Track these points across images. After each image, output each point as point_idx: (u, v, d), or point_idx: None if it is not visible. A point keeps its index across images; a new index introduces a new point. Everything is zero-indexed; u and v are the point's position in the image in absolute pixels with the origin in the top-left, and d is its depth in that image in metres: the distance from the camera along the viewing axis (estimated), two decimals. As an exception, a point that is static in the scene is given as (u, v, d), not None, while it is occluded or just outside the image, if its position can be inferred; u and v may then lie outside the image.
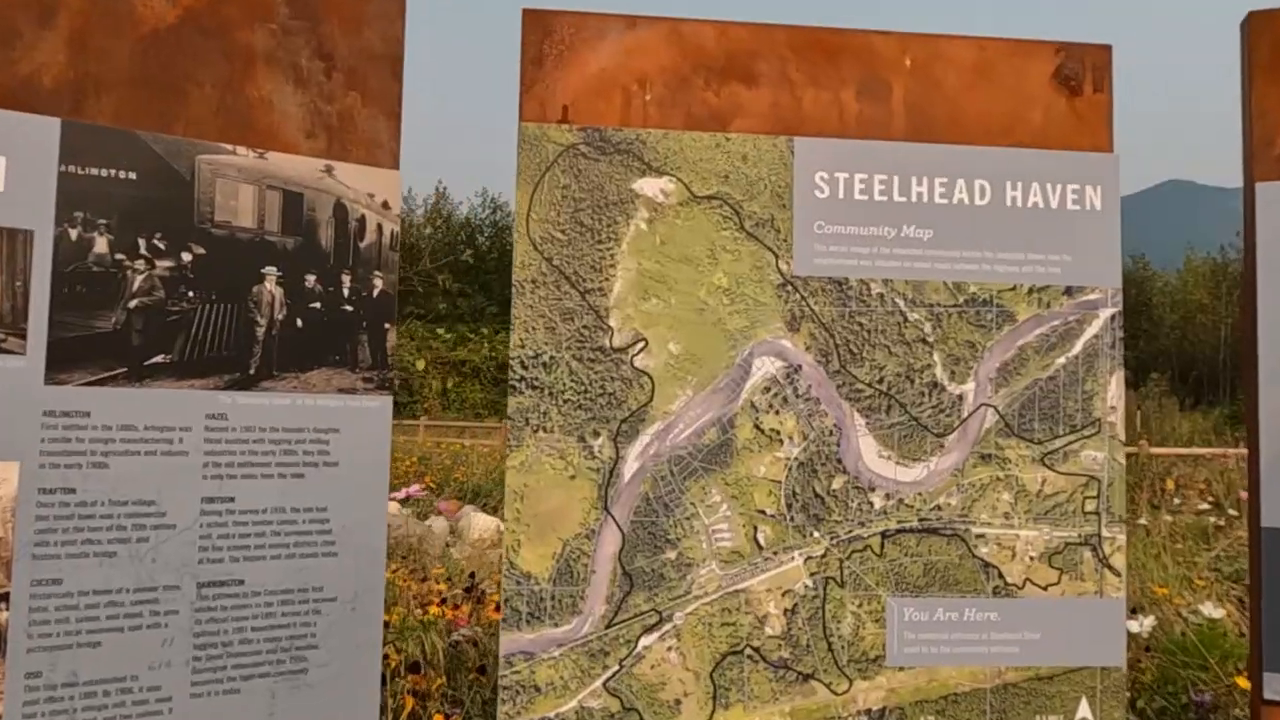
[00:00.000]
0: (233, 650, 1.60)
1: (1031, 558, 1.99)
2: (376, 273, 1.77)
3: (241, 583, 1.61)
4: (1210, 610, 4.67)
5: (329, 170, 1.72)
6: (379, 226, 1.77)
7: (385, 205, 1.78)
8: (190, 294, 1.59)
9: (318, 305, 1.71)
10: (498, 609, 3.06)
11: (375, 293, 1.77)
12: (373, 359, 1.76)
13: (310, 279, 1.71)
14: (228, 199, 1.63)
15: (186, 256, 1.59)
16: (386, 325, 1.78)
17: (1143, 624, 4.56)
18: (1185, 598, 5.37)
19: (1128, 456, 1.80)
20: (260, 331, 1.65)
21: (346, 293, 1.73)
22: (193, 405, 1.59)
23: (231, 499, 1.61)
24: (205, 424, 1.59)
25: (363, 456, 1.74)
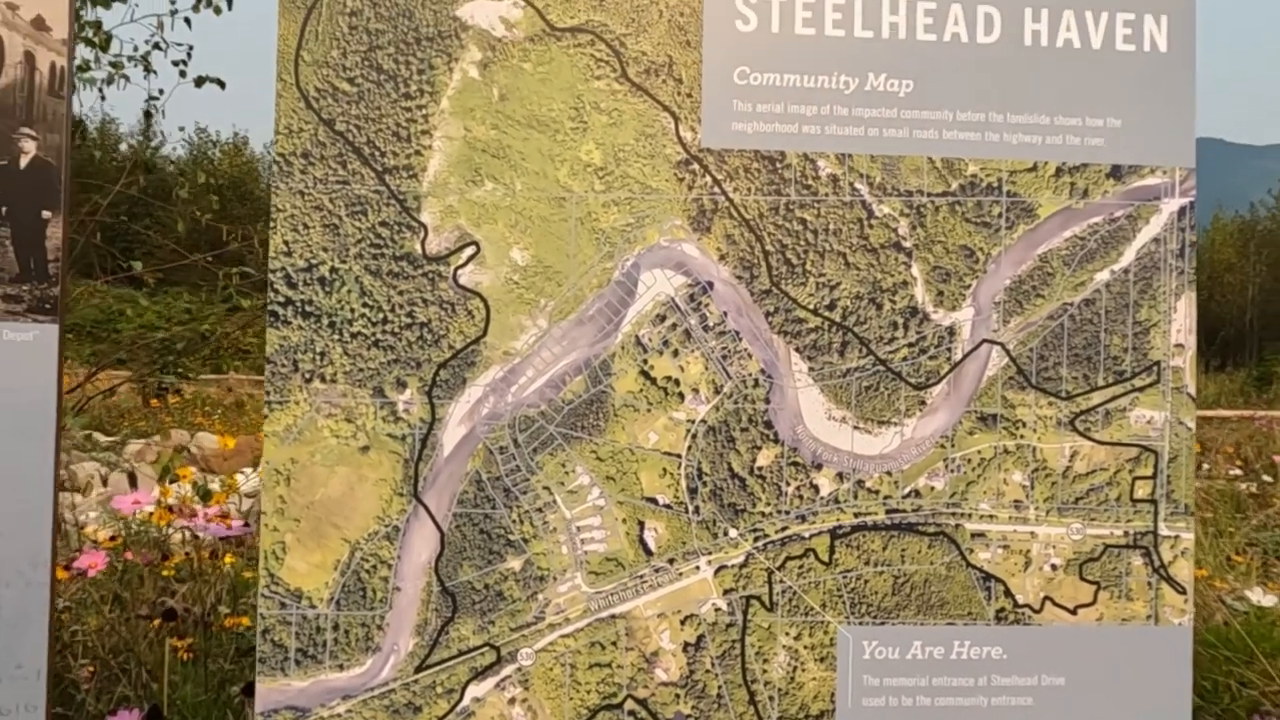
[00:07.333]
0: None
1: (1054, 566, 1.35)
2: (25, 130, 1.13)
3: None
4: (1259, 597, 4.03)
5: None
6: (29, 57, 1.12)
7: (41, 25, 1.13)
8: None
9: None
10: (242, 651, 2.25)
11: (24, 160, 1.12)
12: (23, 266, 1.12)
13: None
14: None
15: None
16: (46, 213, 1.13)
17: (1178, 611, 3.94)
18: (1226, 580, 4.72)
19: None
20: None
21: (-31, 160, 1.09)
22: None
23: None
24: None
25: (3, 416, 1.11)
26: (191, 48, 4.13)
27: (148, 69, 4.02)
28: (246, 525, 3.03)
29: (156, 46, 4.05)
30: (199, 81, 4.14)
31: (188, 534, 3.00)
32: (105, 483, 5.29)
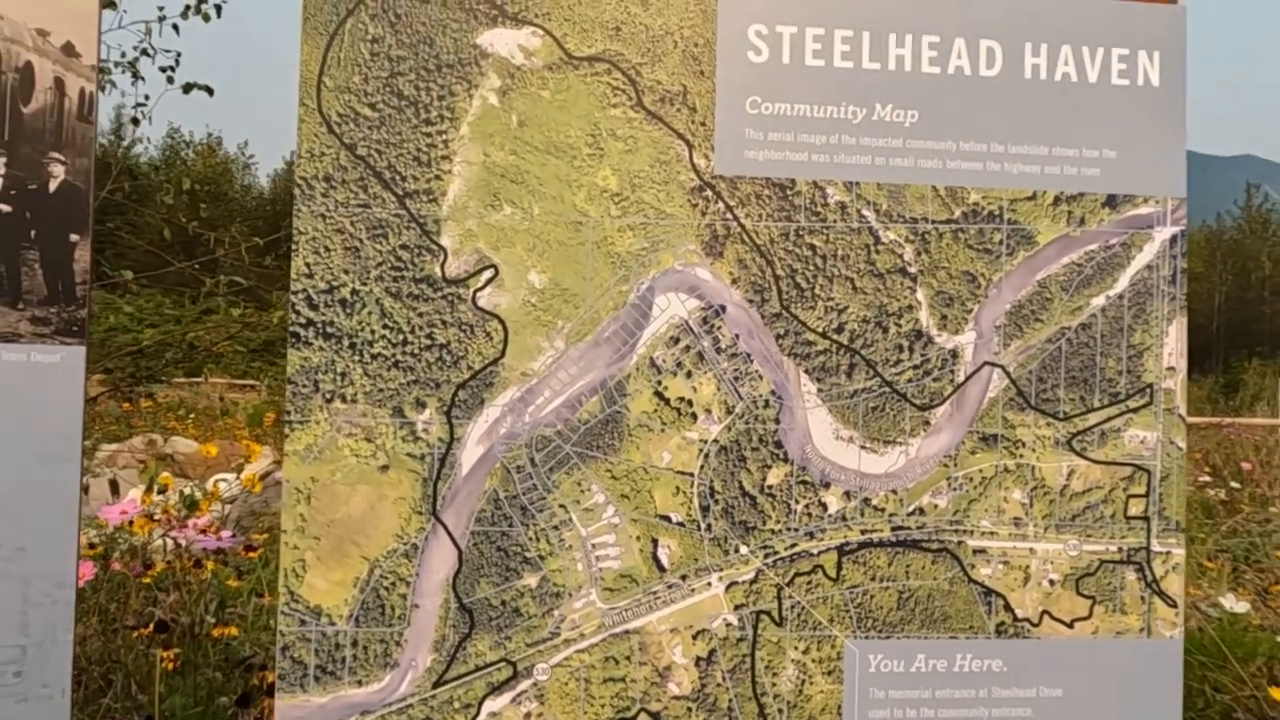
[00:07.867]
0: None
1: (1052, 581, 1.39)
2: (55, 155, 1.14)
3: None
4: (1231, 603, 4.12)
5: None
6: (59, 82, 1.13)
7: (71, 51, 1.14)
8: None
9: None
10: (260, 666, 2.26)
11: (53, 185, 1.14)
12: (51, 289, 1.13)
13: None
14: None
15: None
16: (74, 237, 1.14)
17: (1153, 618, 4.02)
18: (1199, 587, 4.83)
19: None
20: None
21: (0, 184, 1.10)
22: None
23: None
24: None
25: (31, 437, 1.12)
26: (180, 54, 4.12)
27: (135, 75, 4.01)
28: (234, 536, 3.01)
29: (144, 53, 4.04)
30: (187, 88, 4.13)
31: (169, 542, 2.99)
32: (87, 490, 5.23)
